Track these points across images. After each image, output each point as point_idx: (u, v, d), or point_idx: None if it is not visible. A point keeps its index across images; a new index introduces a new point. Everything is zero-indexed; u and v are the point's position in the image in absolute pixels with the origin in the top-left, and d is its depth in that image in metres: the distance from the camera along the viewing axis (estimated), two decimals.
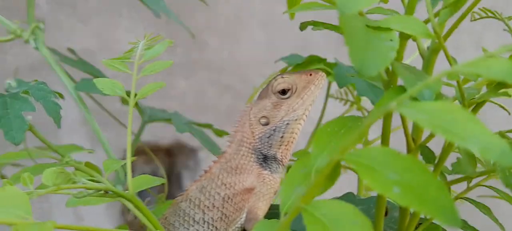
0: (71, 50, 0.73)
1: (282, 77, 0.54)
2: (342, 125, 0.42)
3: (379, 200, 0.48)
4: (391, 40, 0.37)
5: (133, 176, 0.49)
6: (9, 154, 0.62)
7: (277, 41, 1.63)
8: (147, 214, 0.46)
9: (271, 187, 0.54)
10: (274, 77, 0.55)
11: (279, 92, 0.54)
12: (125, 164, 0.52)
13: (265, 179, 0.54)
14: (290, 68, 0.70)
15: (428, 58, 0.48)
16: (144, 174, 0.85)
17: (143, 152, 1.62)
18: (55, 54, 0.68)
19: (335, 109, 0.77)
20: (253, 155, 0.54)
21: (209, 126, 0.78)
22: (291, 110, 0.54)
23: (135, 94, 0.49)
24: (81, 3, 1.50)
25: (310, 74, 0.54)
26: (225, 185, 0.54)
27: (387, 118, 0.46)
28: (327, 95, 0.73)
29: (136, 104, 0.73)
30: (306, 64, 0.67)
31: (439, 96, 0.39)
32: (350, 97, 0.76)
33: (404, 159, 0.33)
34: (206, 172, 0.56)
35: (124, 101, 0.76)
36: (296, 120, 0.54)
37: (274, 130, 0.54)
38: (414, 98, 0.38)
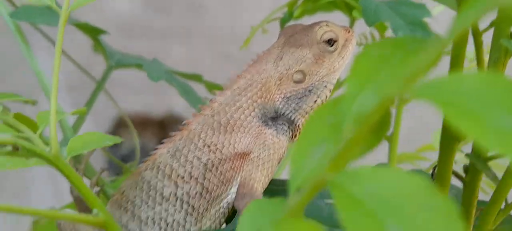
0: None
1: (327, 24, 0.42)
2: (397, 46, 0.26)
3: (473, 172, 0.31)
4: None
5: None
6: None
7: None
8: (78, 184, 0.29)
9: (274, 151, 0.38)
10: (316, 23, 0.42)
11: (325, 42, 0.41)
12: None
13: (267, 140, 0.38)
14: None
15: None
16: (132, 148, 0.67)
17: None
18: None
19: None
20: (255, 110, 0.40)
21: (198, 78, 0.61)
22: (332, 70, 0.42)
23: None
24: None
25: (348, 31, 0.43)
26: (209, 146, 0.38)
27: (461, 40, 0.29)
28: None
29: (100, 45, 0.56)
30: None
31: None
32: None
33: None
34: (181, 129, 0.39)
35: (96, 49, 0.60)
36: (333, 83, 0.42)
37: (310, 91, 0.41)
38: None
